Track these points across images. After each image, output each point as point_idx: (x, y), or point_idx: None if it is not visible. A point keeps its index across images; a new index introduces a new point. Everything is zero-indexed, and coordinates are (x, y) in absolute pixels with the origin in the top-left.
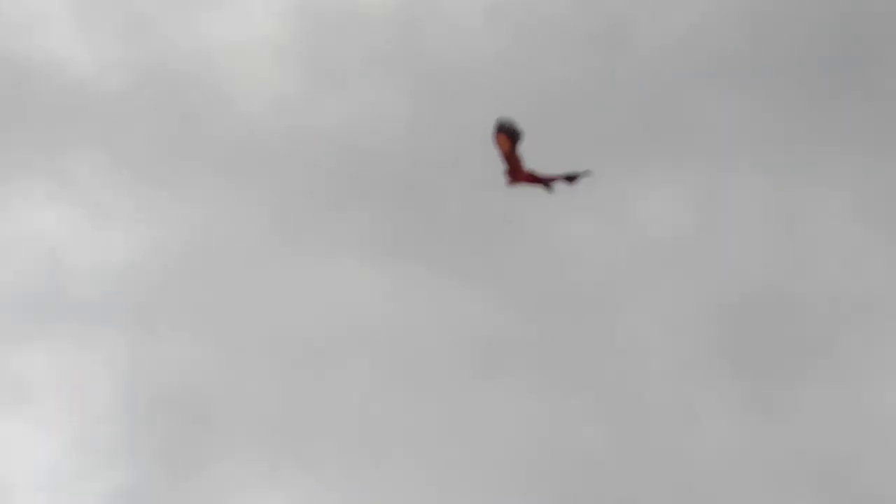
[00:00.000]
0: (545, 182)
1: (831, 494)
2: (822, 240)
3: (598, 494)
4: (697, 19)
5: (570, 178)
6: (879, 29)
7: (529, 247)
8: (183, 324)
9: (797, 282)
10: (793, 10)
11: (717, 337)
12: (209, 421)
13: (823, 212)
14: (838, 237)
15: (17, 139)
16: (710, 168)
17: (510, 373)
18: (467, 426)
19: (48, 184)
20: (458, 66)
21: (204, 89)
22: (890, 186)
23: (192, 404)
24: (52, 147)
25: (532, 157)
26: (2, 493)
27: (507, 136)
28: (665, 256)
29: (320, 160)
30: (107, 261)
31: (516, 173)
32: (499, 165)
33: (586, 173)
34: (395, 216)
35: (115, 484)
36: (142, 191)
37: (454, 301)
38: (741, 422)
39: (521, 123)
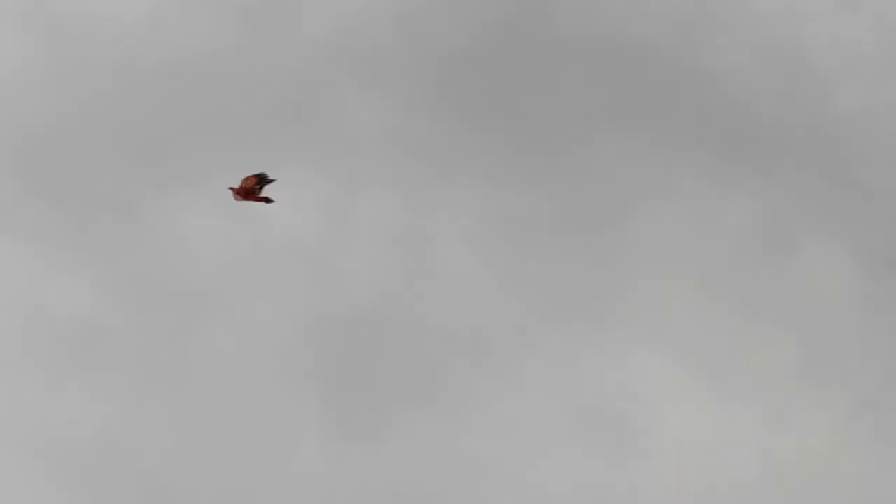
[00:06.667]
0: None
1: None
2: (442, 266)
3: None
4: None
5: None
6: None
7: (146, 236)
8: None
9: (411, 306)
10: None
11: (319, 352)
12: None
13: (446, 237)
14: (457, 265)
15: None
16: (343, 175)
17: (97, 364)
18: (37, 412)
19: None
20: None
21: None
22: (510, 218)
23: None
24: None
25: None
26: None
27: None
28: (284, 262)
29: None
30: None
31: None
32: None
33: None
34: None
35: None
36: None
37: (53, 282)
38: (330, 442)
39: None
